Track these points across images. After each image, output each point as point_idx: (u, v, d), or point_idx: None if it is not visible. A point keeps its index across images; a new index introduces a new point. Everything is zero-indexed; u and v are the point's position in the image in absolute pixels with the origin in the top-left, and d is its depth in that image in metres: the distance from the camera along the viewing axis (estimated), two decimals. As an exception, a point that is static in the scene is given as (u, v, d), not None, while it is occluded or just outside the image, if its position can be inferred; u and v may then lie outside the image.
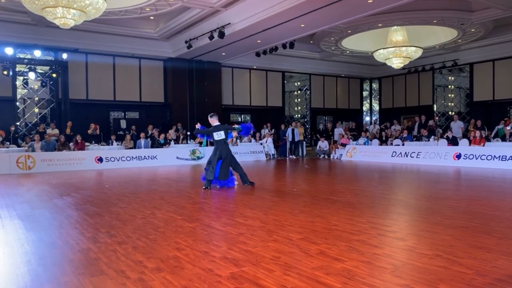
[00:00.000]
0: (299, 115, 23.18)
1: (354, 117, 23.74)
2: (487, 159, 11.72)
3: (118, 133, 16.25)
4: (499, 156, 11.50)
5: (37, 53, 14.86)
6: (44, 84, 15.62)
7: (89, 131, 15.15)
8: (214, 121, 8.31)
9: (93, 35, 15.50)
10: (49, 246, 3.98)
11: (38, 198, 7.12)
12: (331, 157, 17.10)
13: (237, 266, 3.21)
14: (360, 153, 15.79)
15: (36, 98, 16.02)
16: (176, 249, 3.73)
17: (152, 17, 14.49)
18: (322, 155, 17.55)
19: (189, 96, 18.39)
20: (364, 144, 16.57)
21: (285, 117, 21.68)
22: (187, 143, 15.91)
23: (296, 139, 17.75)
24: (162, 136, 15.21)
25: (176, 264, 3.30)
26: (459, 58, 19.33)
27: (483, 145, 12.54)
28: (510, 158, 11.21)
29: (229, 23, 13.51)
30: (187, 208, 5.81)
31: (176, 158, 14.55)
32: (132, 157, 13.90)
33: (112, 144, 14.52)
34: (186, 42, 15.53)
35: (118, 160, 13.57)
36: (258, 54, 17.06)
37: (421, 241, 4.03)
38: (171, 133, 16.01)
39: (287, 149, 17.63)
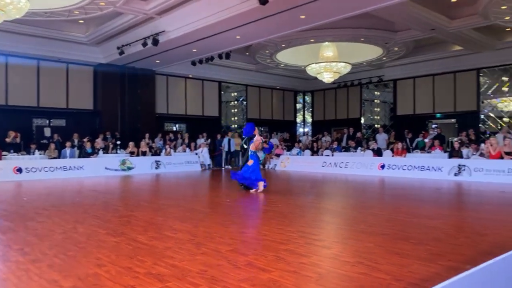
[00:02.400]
0: (236, 125, 23.29)
1: (288, 128, 24.35)
2: (408, 169, 12.57)
3: (42, 141, 15.15)
4: (419, 166, 12.39)
5: None
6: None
7: (8, 140, 13.95)
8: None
9: (14, 37, 14.39)
10: (-51, 267, 3.56)
11: None
12: (266, 167, 17.34)
13: (161, 281, 3.09)
14: (293, 163, 16.19)
15: None
16: (97, 265, 3.51)
17: (81, 21, 13.82)
18: (257, 165, 17.71)
19: (120, 104, 17.70)
20: (297, 154, 17.03)
21: (221, 127, 21.66)
22: (116, 152, 15.24)
23: (233, 149, 17.77)
24: (89, 145, 14.40)
25: (96, 281, 3.10)
26: (384, 74, 20.69)
27: (405, 156, 13.47)
28: (428, 168, 12.13)
29: (164, 31, 13.27)
30: (112, 222, 5.53)
31: (104, 169, 13.86)
32: (56, 167, 13.00)
33: (33, 154, 13.49)
34: (118, 48, 14.96)
35: (40, 171, 12.62)
36: (193, 63, 16.92)
37: (346, 248, 4.19)
38: (99, 142, 15.23)
39: (223, 159, 17.59)
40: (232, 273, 3.27)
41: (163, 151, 16.27)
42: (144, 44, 13.74)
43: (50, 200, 7.76)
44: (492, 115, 18.31)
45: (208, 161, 17.07)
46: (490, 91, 18.14)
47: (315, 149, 17.75)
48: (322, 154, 16.68)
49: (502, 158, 11.13)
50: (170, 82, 19.83)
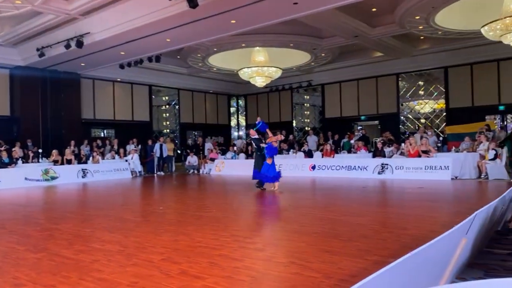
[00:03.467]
0: (168, 130, 22.78)
1: (223, 132, 24.35)
2: (336, 169, 13.16)
3: None
4: (346, 166, 13.03)
5: None
6: None
7: None
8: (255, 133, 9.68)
9: None
10: None
11: None
12: (201, 172, 17.16)
13: (87, 298, 2.91)
14: (228, 167, 16.19)
15: None
16: (14, 285, 3.22)
17: (-6, 19, 12.71)
18: (191, 171, 17.48)
19: (42, 109, 16.51)
20: (232, 158, 17.08)
21: (153, 132, 21.07)
22: (38, 162, 14.17)
23: (165, 154, 17.33)
24: (5, 154, 13.20)
25: (12, 304, 2.84)
26: (313, 79, 21.52)
27: (333, 157, 14.09)
28: (354, 167, 12.80)
29: (89, 32, 12.63)
30: (33, 237, 5.12)
31: (24, 180, 12.80)
32: (-33, 180, 11.77)
33: None
34: (38, 49, 13.96)
35: None
36: (122, 66, 16.30)
37: (278, 249, 4.27)
38: (17, 151, 14.05)
39: (155, 166, 17.09)
40: (165, 283, 3.18)
41: (90, 158, 15.43)
42: (67, 46, 12.97)
43: (-42, 217, 6.99)
44: (410, 116, 19.82)
45: (139, 168, 16.47)
46: (408, 95, 19.63)
47: (249, 152, 17.90)
48: (256, 157, 16.87)
49: (419, 156, 12.07)
50: (97, 86, 18.92)
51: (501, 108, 16.97)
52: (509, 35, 11.48)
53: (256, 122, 9.95)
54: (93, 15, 12.27)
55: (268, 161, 9.11)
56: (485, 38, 12.39)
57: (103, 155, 16.33)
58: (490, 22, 11.46)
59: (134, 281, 3.24)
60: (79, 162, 15.05)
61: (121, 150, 16.64)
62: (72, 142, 15.85)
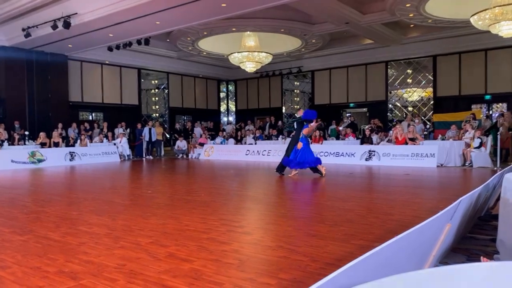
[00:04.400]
0: (157, 114, 22.60)
1: (212, 117, 24.23)
2: (324, 155, 13.24)
3: None
4: (334, 152, 13.13)
5: None
6: None
7: None
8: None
9: None
10: None
11: None
12: (190, 157, 17.13)
13: (74, 279, 2.92)
14: (217, 152, 16.20)
15: None
16: (0, 268, 3.21)
17: (-24, -3, 12.34)
18: (180, 155, 17.44)
19: (28, 91, 16.20)
20: (221, 143, 17.07)
21: (142, 116, 20.88)
22: (24, 144, 13.97)
23: (154, 138, 17.24)
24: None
25: (-1, 285, 2.84)
26: (303, 65, 21.44)
27: (321, 143, 14.18)
28: (342, 154, 12.90)
29: (76, 13, 12.36)
30: (19, 219, 5.08)
31: (11, 162, 12.64)
32: (-49, 161, 11.59)
33: None
34: (23, 30, 13.63)
35: None
36: (110, 49, 16.04)
37: (267, 233, 4.31)
38: (2, 132, 13.83)
39: (144, 149, 17.00)
40: (152, 266, 3.20)
41: (78, 141, 15.27)
42: (54, 27, 12.69)
43: None
44: (398, 104, 19.96)
45: (127, 151, 16.39)
46: (396, 83, 19.73)
47: (239, 137, 17.91)
48: (245, 143, 16.90)
49: (406, 143, 12.21)
50: (85, 68, 18.61)
51: (487, 97, 17.19)
52: (497, 25, 11.56)
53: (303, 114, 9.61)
54: (80, -5, 12.00)
55: (298, 145, 8.98)
56: (474, 27, 12.47)
57: (91, 138, 16.17)
58: (480, 12, 11.51)
59: (121, 264, 3.25)
60: (67, 145, 14.89)
61: (109, 134, 16.50)
62: (60, 125, 15.65)
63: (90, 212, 5.47)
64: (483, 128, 12.92)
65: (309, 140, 9.60)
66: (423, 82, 19.04)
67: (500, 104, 17.51)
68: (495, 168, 10.43)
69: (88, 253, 3.56)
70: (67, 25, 12.42)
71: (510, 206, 3.22)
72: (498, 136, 11.97)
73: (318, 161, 9.19)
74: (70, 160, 14.10)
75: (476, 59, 17.14)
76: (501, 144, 12.08)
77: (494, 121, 14.15)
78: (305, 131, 9.10)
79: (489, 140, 11.69)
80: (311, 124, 9.35)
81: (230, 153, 15.85)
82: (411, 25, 16.44)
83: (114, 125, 17.50)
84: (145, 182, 9.75)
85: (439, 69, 18.26)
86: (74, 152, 14.32)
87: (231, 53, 16.97)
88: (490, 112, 17.45)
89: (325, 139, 15.09)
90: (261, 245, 3.79)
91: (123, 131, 16.88)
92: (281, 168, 9.56)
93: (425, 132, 14.61)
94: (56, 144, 14.44)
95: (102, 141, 16.01)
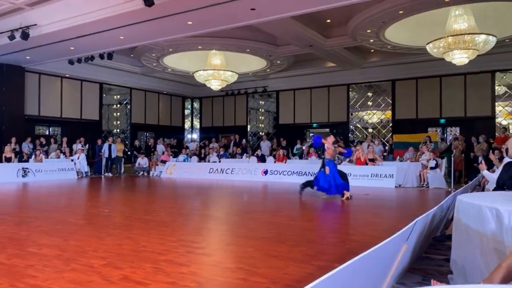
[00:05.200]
0: (118, 130, 22.04)
1: (176, 134, 23.89)
2: (288, 174, 13.34)
3: None
4: (297, 172, 13.24)
5: None
6: None
7: None
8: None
9: None
10: None
11: None
12: (151, 174, 16.74)
13: (18, 306, 2.72)
14: (179, 170, 15.92)
15: None
16: None
17: None
18: (141, 172, 17.01)
19: (-20, 104, 15.39)
20: (184, 161, 16.82)
21: (102, 132, 20.29)
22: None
23: (114, 155, 16.74)
24: None
25: None
26: (268, 85, 21.73)
27: (285, 162, 14.29)
28: (305, 173, 13.03)
29: (36, 24, 11.96)
30: (-39, 240, 4.72)
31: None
32: None
33: None
34: (-23, 38, 13.03)
35: None
36: (71, 62, 15.58)
37: (226, 255, 4.23)
38: None
39: (103, 166, 16.46)
40: (105, 290, 3.04)
41: (33, 157, 14.58)
42: (11, 37, 12.20)
43: None
44: (359, 126, 20.54)
45: (85, 168, 15.79)
46: (358, 105, 20.34)
47: (202, 155, 17.74)
48: (209, 161, 16.75)
49: (366, 164, 12.52)
50: (43, 81, 17.95)
51: (442, 121, 18.04)
52: (450, 53, 12.24)
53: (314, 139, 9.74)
54: (41, 6, 11.64)
55: (326, 170, 8.86)
56: (430, 54, 13.13)
57: (47, 153, 15.49)
58: (434, 40, 12.17)
59: (72, 288, 3.07)
60: (20, 161, 14.17)
61: (67, 150, 15.88)
62: (13, 139, 14.90)
63: (40, 232, 5.17)
64: (439, 150, 13.50)
65: (335, 162, 9.51)
66: (383, 105, 19.73)
67: (454, 127, 18.41)
68: (449, 189, 10.87)
69: (35, 276, 3.34)
70: (25, 36, 11.99)
71: (462, 227, 3.33)
72: (452, 159, 12.55)
73: (343, 190, 9.03)
74: (23, 176, 13.40)
75: (431, 84, 18.01)
76: (454, 166, 12.68)
77: (449, 144, 14.82)
78: (326, 155, 9.16)
79: (444, 162, 12.22)
80: (327, 146, 9.37)
81: (193, 171, 15.62)
82: (372, 50, 17.12)
83: (73, 140, 16.87)
84: (102, 200, 9.39)
85: (397, 93, 19.02)
86: (27, 168, 13.63)
87: (197, 71, 16.93)
88: (445, 135, 18.29)
89: (289, 158, 15.22)
90: (220, 267, 3.71)
91: (82, 146, 16.30)
92: (306, 186, 9.42)
93: (385, 153, 15.06)
94: (8, 160, 13.72)
95: (59, 157, 15.37)
